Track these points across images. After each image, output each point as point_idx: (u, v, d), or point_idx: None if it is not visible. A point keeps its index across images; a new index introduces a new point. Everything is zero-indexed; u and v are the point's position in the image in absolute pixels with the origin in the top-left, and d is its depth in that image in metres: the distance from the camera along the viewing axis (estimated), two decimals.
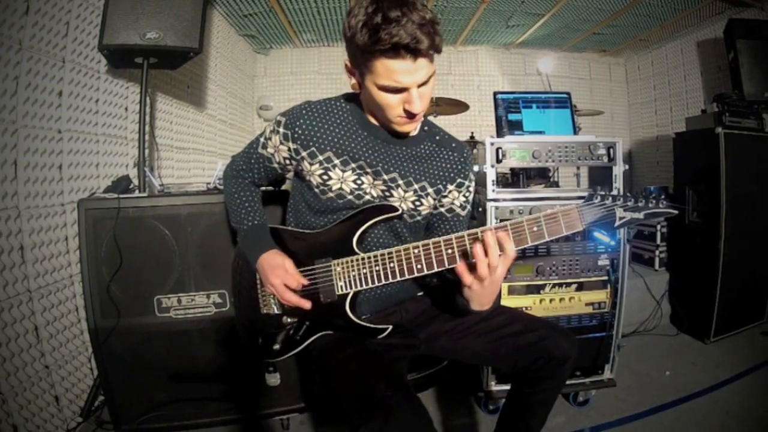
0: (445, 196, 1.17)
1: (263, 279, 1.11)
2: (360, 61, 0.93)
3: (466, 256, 0.96)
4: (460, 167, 1.16)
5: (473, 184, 1.21)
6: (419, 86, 0.93)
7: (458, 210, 1.19)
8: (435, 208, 1.18)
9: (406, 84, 0.91)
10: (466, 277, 0.92)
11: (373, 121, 1.09)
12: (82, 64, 1.80)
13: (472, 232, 0.98)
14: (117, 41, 1.64)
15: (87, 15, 1.81)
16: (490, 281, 0.91)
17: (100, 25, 1.65)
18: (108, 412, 1.59)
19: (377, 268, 1.03)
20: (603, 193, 0.98)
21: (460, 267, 0.94)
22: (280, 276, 1.06)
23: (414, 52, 0.86)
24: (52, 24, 1.64)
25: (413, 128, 1.04)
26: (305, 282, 1.07)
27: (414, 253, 1.00)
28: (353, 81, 1.01)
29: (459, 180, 1.16)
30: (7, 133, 1.46)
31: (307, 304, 1.06)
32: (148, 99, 1.84)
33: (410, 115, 0.97)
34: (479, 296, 0.96)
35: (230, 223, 1.22)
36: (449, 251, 0.98)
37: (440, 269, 0.99)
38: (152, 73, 1.91)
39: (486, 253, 0.89)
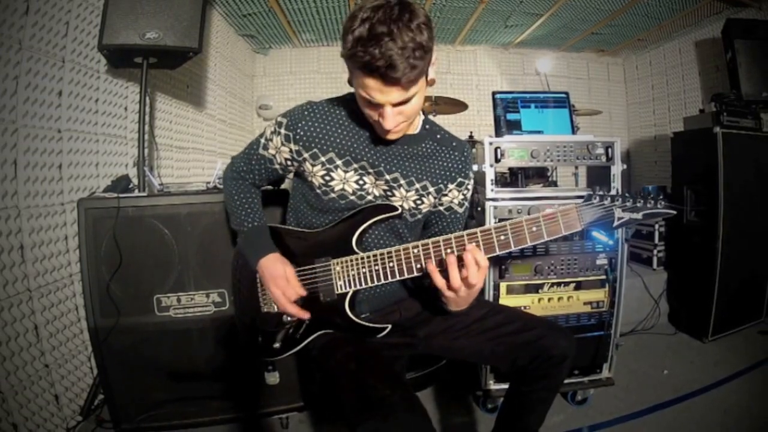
0: (445, 195, 1.17)
1: (264, 284, 1.12)
2: (347, 65, 0.91)
3: (462, 258, 0.98)
4: (460, 166, 1.16)
5: (472, 182, 1.22)
6: (395, 105, 0.90)
7: (456, 208, 1.20)
8: (434, 206, 1.19)
9: (378, 100, 0.88)
10: (446, 291, 0.98)
11: None
12: (82, 64, 1.81)
13: (471, 232, 0.99)
14: (117, 41, 1.65)
15: (87, 15, 1.82)
16: (467, 293, 0.97)
17: (100, 25, 1.65)
18: (108, 410, 1.59)
19: (376, 267, 1.04)
20: (602, 193, 0.99)
21: (439, 281, 0.98)
22: (281, 287, 1.06)
23: (383, 77, 0.83)
24: (52, 24, 1.64)
25: (394, 137, 1.02)
26: (303, 293, 1.08)
27: (413, 252, 1.01)
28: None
29: (460, 179, 1.17)
30: (7, 132, 1.46)
31: (305, 315, 1.07)
32: (148, 99, 1.84)
33: (382, 130, 0.96)
34: (455, 303, 1.02)
35: (230, 225, 1.22)
36: (448, 251, 0.99)
37: (439, 269, 1.00)
38: (152, 72, 1.92)
39: (463, 273, 0.94)
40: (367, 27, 0.81)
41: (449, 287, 0.96)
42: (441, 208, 1.19)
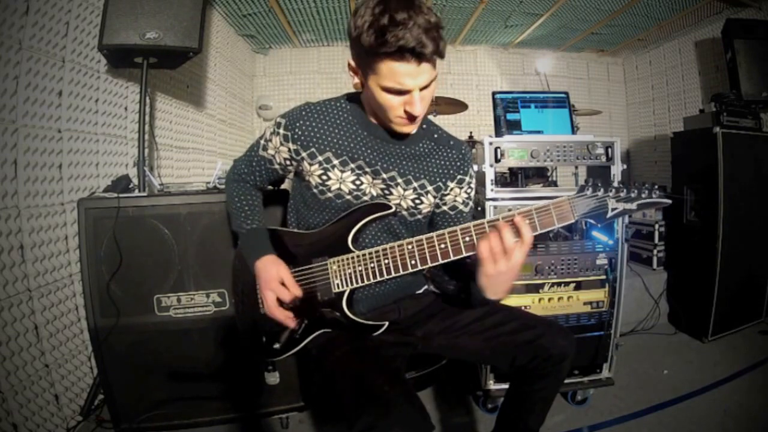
0: (447, 194, 1.17)
1: (259, 287, 1.13)
2: (364, 61, 0.93)
3: (459, 251, 0.98)
4: (459, 164, 1.17)
5: (474, 180, 1.22)
6: (421, 89, 0.94)
7: (461, 207, 1.20)
8: (437, 206, 1.19)
9: (409, 86, 0.92)
10: (488, 264, 0.91)
11: (373, 120, 1.09)
12: (82, 64, 1.81)
13: (465, 227, 0.98)
14: (117, 41, 1.65)
15: (87, 15, 1.82)
16: (507, 267, 0.90)
17: (100, 25, 1.65)
18: (108, 410, 1.59)
19: (371, 265, 1.04)
20: (594, 184, 0.96)
21: (483, 251, 0.91)
22: (273, 289, 1.07)
23: (419, 56, 0.87)
24: (52, 24, 1.64)
25: (413, 129, 1.05)
26: (299, 293, 1.08)
27: (408, 249, 1.02)
28: (356, 80, 1.02)
29: (459, 176, 1.17)
30: (7, 132, 1.46)
31: (291, 323, 1.08)
32: (148, 99, 1.84)
33: (411, 117, 0.98)
34: (495, 284, 0.94)
35: (231, 227, 1.23)
36: (442, 246, 0.99)
37: (433, 264, 1.00)
38: (152, 72, 1.92)
39: (501, 239, 0.88)
40: (388, 17, 0.84)
41: (492, 255, 0.90)
42: (445, 207, 1.19)
